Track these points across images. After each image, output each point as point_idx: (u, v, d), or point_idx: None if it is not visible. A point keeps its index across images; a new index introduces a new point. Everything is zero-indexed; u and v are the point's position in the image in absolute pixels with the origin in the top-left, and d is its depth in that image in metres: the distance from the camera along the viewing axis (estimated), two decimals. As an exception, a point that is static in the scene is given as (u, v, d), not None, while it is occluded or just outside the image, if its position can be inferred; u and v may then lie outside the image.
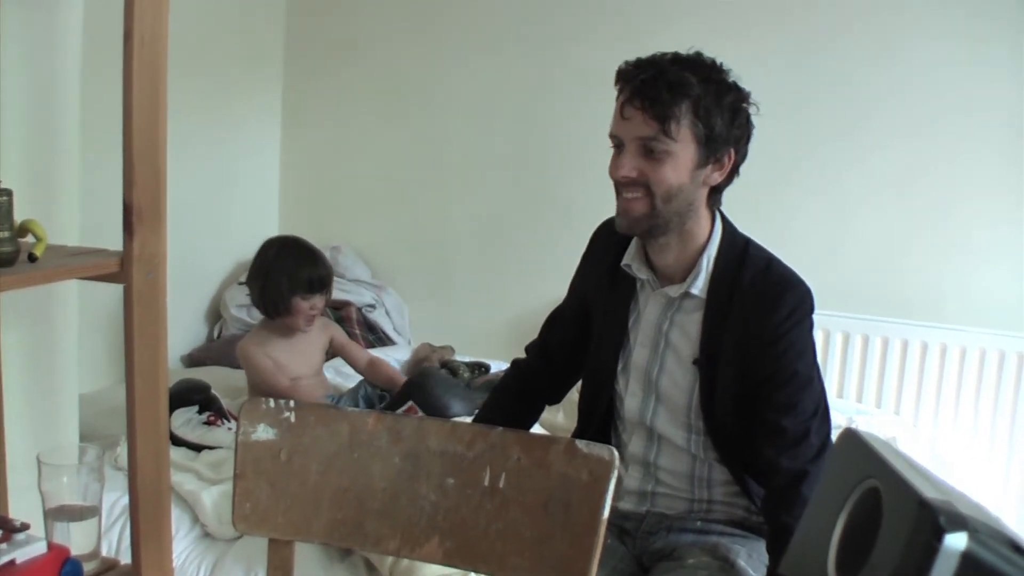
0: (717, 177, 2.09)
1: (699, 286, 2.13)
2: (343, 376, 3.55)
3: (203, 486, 2.70)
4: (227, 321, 4.18)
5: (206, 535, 2.61)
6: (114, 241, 1.53)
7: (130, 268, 1.49)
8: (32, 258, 1.44)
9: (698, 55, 2.07)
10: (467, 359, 3.79)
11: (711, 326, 2.12)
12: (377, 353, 3.67)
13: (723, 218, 2.18)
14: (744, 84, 2.07)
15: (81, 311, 2.10)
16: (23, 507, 1.66)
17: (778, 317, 2.06)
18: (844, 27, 3.68)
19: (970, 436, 3.62)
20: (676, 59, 2.05)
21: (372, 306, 4.27)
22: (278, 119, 4.67)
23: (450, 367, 3.66)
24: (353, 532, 1.62)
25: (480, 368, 3.71)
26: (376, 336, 4.14)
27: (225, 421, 3.03)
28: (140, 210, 1.48)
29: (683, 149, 2.02)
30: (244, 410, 1.65)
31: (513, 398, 2.50)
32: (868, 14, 3.66)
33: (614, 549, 2.19)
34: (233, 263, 4.39)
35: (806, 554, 1.13)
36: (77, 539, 1.54)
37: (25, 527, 1.44)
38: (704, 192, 2.10)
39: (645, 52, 2.08)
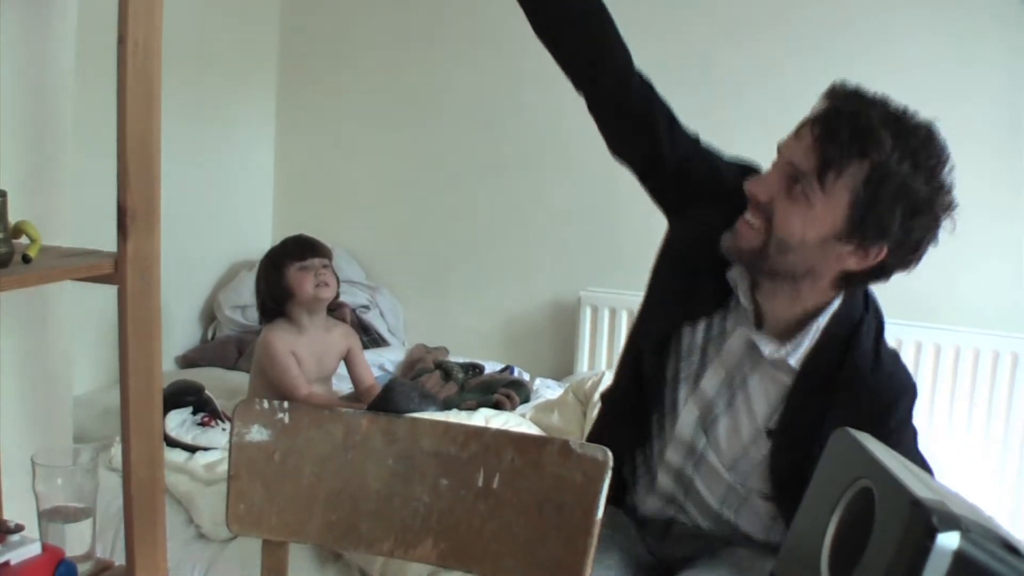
0: (853, 264, 1.75)
1: (797, 357, 1.84)
2: (340, 379, 3.54)
3: (198, 487, 2.70)
4: (221, 323, 4.18)
5: (201, 536, 2.61)
6: (108, 242, 1.53)
7: (124, 270, 1.49)
8: (26, 259, 1.44)
9: (918, 121, 1.71)
10: (461, 360, 3.80)
11: (798, 405, 1.85)
12: (371, 355, 3.67)
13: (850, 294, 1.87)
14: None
15: (75, 312, 2.10)
16: (17, 509, 1.66)
17: (893, 423, 1.82)
18: (838, 23, 3.69)
19: (964, 436, 3.63)
20: (886, 110, 1.70)
21: (366, 307, 4.27)
22: (272, 120, 4.67)
23: (444, 368, 3.66)
24: (347, 533, 1.63)
25: (474, 369, 3.71)
26: (371, 337, 4.15)
27: (219, 422, 3.03)
28: (134, 212, 1.48)
29: (827, 208, 1.69)
30: (238, 411, 1.65)
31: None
32: (861, 8, 3.66)
33: (631, 543, 2.01)
34: (227, 264, 4.39)
35: (799, 554, 1.14)
36: (71, 540, 1.53)
37: (19, 528, 1.44)
38: (834, 269, 1.77)
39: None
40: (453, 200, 4.44)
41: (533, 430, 3.00)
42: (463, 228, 4.43)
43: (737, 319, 1.91)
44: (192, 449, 2.92)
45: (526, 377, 3.77)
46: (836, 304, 1.84)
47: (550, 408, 3.18)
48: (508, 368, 3.84)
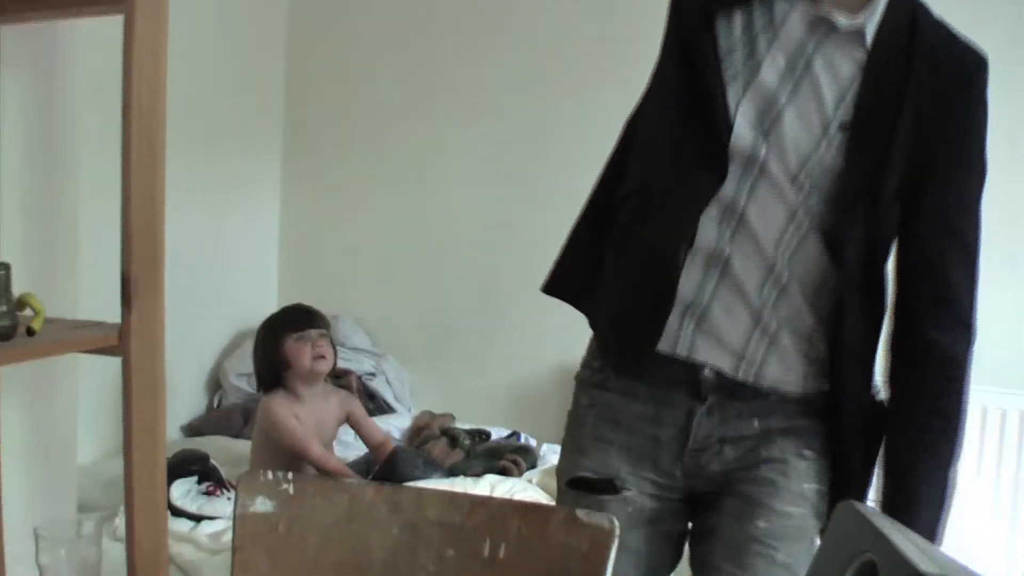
0: None
1: (874, 24, 1.66)
2: (345, 445, 3.53)
3: (203, 557, 2.69)
4: (226, 390, 4.18)
5: (205, 607, 2.59)
6: (113, 307, 1.54)
7: (128, 341, 1.49)
8: (30, 331, 1.44)
9: None
10: (468, 426, 3.79)
11: (873, 83, 1.67)
12: (377, 422, 3.66)
13: None
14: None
15: (79, 379, 2.10)
16: (22, 580, 1.66)
17: (971, 96, 1.69)
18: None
19: (971, 499, 3.60)
20: None
21: (372, 374, 4.27)
22: (278, 186, 4.70)
23: (450, 434, 3.65)
24: (352, 604, 1.61)
25: (481, 435, 3.71)
26: (376, 404, 4.14)
27: (225, 491, 3.02)
28: (138, 283, 1.49)
29: None
30: (242, 483, 1.64)
31: None
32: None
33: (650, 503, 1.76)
34: (232, 331, 4.40)
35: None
36: (75, 613, 1.53)
37: (22, 602, 1.43)
38: None
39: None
40: (458, 266, 4.45)
41: (540, 495, 2.98)
42: (468, 294, 4.44)
43: (784, 2, 1.72)
44: (197, 518, 2.91)
45: (533, 443, 3.76)
46: None
47: (557, 473, 3.16)
48: (515, 434, 3.83)
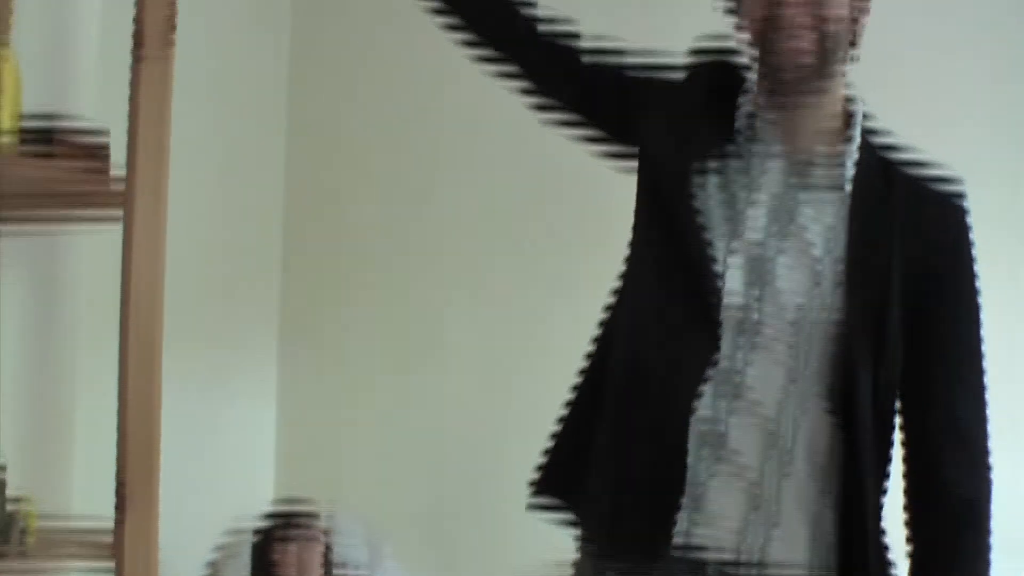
0: (862, 17, 1.71)
1: (850, 170, 1.70)
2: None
3: None
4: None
5: None
6: (107, 500, 1.51)
7: (121, 552, 1.47)
8: (23, 544, 1.42)
9: None
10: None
11: (860, 225, 1.68)
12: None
13: None
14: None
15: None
16: None
17: (955, 230, 1.72)
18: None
19: None
20: None
21: (370, 569, 4.18)
22: (273, 382, 4.68)
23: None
24: None
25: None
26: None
27: None
28: (132, 494, 1.48)
29: None
30: None
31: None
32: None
33: None
34: (228, 528, 4.32)
35: None
36: None
37: None
38: (850, 29, 1.71)
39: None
40: (459, 460, 4.41)
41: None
42: (469, 489, 4.38)
43: (760, 154, 1.75)
44: None
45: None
46: (859, 101, 1.76)
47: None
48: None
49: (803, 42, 1.64)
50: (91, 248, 2.05)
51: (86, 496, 1.88)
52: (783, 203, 1.70)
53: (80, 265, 2.04)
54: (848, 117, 1.75)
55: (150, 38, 1.65)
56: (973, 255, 1.73)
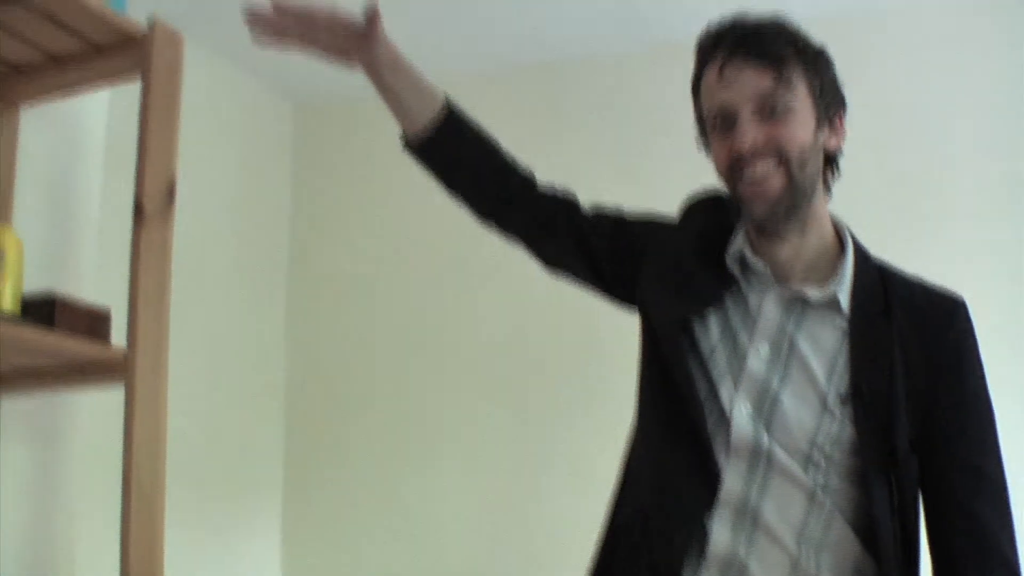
0: (834, 142, 1.76)
1: (846, 292, 1.73)
2: None
3: None
4: None
5: None
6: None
7: None
8: None
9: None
10: None
11: (861, 350, 1.69)
12: None
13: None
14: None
15: None
16: None
17: (956, 332, 1.73)
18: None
19: None
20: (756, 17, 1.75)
21: None
22: (277, 545, 4.62)
23: None
24: None
25: None
26: None
27: None
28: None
29: (802, 103, 1.69)
30: None
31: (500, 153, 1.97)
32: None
33: None
34: None
35: None
36: None
37: None
38: (821, 161, 1.76)
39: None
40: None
41: None
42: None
43: (756, 289, 1.78)
44: None
45: None
46: (847, 230, 1.81)
47: None
48: None
49: (769, 176, 1.68)
50: (92, 406, 2.06)
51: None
52: (783, 335, 1.72)
53: (81, 425, 2.05)
54: (839, 241, 1.80)
55: (150, 209, 1.69)
56: (978, 353, 1.74)
